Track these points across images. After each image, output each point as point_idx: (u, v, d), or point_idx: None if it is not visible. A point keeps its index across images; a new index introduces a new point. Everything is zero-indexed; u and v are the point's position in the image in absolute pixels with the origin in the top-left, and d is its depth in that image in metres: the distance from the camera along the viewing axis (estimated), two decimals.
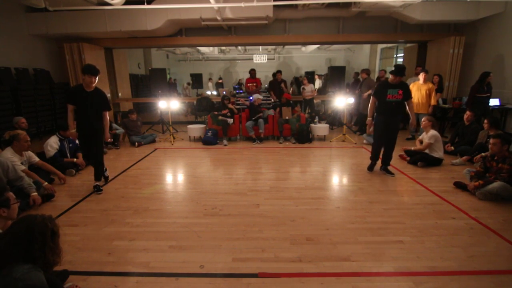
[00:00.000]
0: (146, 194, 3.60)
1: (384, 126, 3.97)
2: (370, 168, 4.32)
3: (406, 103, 3.97)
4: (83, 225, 2.84)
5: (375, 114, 4.10)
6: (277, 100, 7.30)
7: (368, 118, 4.19)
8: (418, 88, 5.89)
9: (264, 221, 2.87)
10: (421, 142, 4.72)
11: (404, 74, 3.80)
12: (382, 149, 4.22)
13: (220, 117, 6.29)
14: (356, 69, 12.52)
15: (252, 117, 6.41)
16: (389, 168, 4.24)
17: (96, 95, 3.51)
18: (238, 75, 16.96)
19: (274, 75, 7.89)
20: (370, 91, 6.58)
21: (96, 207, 3.24)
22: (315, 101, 8.93)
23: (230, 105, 6.48)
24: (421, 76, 5.89)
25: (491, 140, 3.40)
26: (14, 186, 3.05)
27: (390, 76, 3.89)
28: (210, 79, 15.13)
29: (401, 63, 10.14)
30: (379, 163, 4.32)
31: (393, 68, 3.93)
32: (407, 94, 3.87)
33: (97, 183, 3.71)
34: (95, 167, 3.72)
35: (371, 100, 4.08)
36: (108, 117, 3.67)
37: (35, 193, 3.11)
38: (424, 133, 4.67)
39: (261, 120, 6.29)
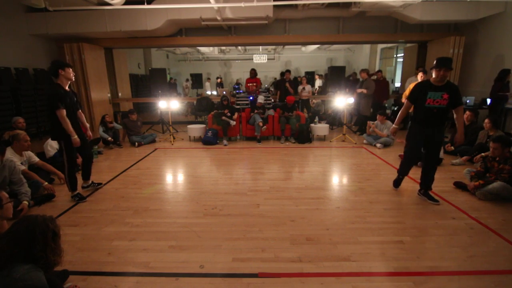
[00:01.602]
0: (146, 194, 3.60)
1: (420, 137, 3.16)
2: (397, 183, 3.60)
3: (453, 111, 3.08)
4: (83, 225, 2.84)
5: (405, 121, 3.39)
6: (285, 101, 7.24)
7: (393, 126, 3.40)
8: None
9: (264, 221, 2.86)
10: None
11: (450, 67, 2.90)
12: (416, 168, 3.67)
13: (223, 118, 6.29)
14: (356, 69, 12.56)
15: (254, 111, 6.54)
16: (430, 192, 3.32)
17: (73, 94, 3.34)
18: (237, 75, 16.96)
19: (282, 74, 7.89)
20: (365, 90, 6.64)
21: (96, 207, 3.24)
22: (314, 101, 8.95)
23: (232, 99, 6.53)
24: (419, 76, 5.88)
25: (492, 145, 3.39)
26: (12, 189, 3.05)
27: (433, 74, 2.98)
28: (208, 79, 15.12)
29: (401, 63, 10.14)
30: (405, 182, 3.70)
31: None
32: (455, 99, 2.97)
33: (92, 180, 3.75)
34: (88, 166, 3.65)
35: (405, 104, 3.30)
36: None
37: (26, 203, 3.02)
38: None
39: (259, 123, 6.27)
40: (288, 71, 7.69)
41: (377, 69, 11.69)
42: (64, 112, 3.10)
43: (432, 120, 3.07)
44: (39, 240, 1.45)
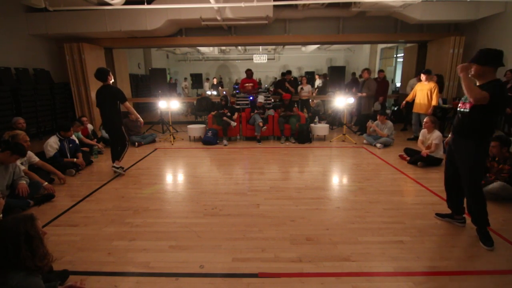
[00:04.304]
0: (146, 194, 3.60)
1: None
2: (487, 241, 2.38)
3: None
4: (83, 225, 2.84)
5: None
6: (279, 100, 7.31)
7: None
8: (421, 88, 5.82)
9: (264, 221, 2.86)
10: (422, 142, 4.70)
11: (481, 61, 2.20)
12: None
13: (224, 118, 6.28)
14: (356, 69, 12.57)
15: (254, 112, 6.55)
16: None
17: None
18: (238, 75, 16.95)
19: (283, 74, 8.01)
20: (364, 94, 6.70)
21: (96, 207, 3.24)
22: (314, 101, 8.95)
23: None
24: (423, 76, 5.84)
25: (491, 143, 3.39)
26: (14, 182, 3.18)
27: None
28: (207, 79, 15.06)
29: (401, 63, 10.14)
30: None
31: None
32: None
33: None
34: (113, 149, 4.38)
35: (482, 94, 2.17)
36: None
37: (23, 182, 3.16)
38: (425, 134, 4.65)
39: (259, 123, 6.27)
40: (289, 72, 7.74)
41: (377, 69, 11.73)
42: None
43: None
44: (9, 247, 1.37)
